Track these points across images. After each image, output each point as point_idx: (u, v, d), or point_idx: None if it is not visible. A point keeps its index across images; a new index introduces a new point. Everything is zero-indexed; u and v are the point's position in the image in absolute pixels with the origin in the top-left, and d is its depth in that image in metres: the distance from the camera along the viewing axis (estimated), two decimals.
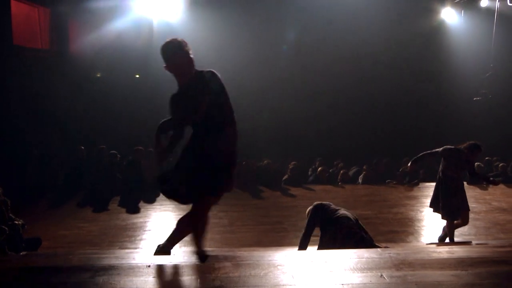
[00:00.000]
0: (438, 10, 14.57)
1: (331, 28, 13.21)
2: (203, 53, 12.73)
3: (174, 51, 3.65)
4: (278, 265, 3.01)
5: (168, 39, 3.69)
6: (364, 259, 3.13)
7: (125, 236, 6.89)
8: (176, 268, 3.13)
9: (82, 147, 10.34)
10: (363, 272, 2.79)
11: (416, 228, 7.78)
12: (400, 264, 2.97)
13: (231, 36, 12.75)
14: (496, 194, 10.14)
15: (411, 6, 13.59)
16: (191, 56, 3.69)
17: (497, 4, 13.40)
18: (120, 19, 12.73)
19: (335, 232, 5.04)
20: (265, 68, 13.51)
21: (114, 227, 7.30)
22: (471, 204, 8.96)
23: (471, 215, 8.18)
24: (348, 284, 2.64)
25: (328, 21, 13.13)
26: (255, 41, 13.35)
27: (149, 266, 2.99)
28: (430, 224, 8.00)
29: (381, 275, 2.76)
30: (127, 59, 12.68)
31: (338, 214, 5.24)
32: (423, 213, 8.66)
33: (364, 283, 2.63)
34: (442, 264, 3.03)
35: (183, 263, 3.26)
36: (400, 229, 7.64)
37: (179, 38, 3.72)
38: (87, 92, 12.75)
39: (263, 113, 13.41)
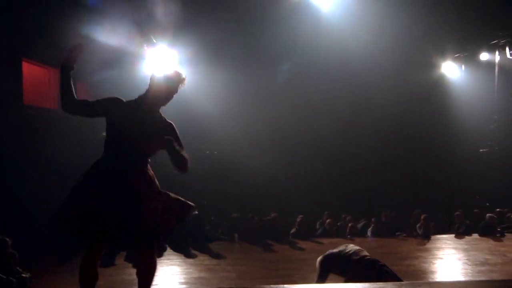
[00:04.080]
0: (438, 64, 14.87)
1: (330, 73, 13.44)
2: (207, 101, 13.01)
3: (173, 77, 3.81)
4: None
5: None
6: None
7: None
8: None
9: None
10: None
11: (430, 280, 7.60)
12: None
13: (230, 85, 13.08)
14: (511, 246, 9.95)
15: (412, 59, 13.85)
16: (174, 92, 3.83)
17: (497, 57, 13.70)
18: (126, 81, 13.01)
19: (356, 267, 5.03)
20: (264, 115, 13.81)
21: (121, 281, 7.16)
22: (485, 256, 8.90)
23: (485, 267, 8.08)
24: None
25: (328, 66, 13.35)
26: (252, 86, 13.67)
27: None
28: (444, 276, 7.84)
29: None
30: None
31: (352, 251, 5.24)
32: (435, 265, 8.49)
33: None
34: None
35: None
36: (414, 281, 7.45)
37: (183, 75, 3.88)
38: (93, 152, 12.83)
39: (268, 166, 13.43)
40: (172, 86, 3.82)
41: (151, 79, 3.86)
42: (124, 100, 3.83)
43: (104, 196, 3.57)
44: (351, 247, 5.41)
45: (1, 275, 4.99)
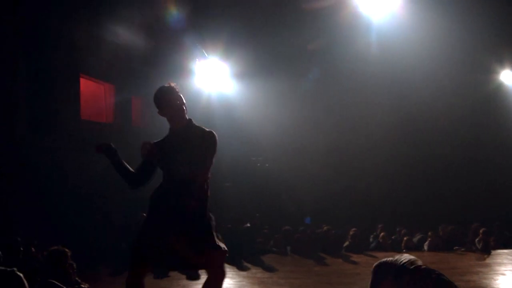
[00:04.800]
0: (497, 72, 14.39)
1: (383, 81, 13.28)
2: (258, 115, 13.05)
3: (167, 94, 3.76)
4: None
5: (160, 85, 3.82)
6: None
7: None
8: None
9: (144, 214, 10.50)
10: None
11: None
12: None
13: (282, 98, 13.13)
14: None
15: (469, 68, 13.47)
16: (183, 100, 3.78)
17: None
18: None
19: (411, 277, 4.83)
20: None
21: None
22: None
23: None
24: None
25: (384, 77, 13.17)
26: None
27: None
28: None
29: None
30: None
31: (406, 260, 5.04)
32: (497, 281, 8.11)
33: None
34: None
35: None
36: None
37: (172, 83, 3.83)
38: None
39: (321, 178, 13.35)
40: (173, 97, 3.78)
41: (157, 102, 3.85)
42: (157, 140, 3.85)
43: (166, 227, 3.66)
44: (406, 256, 5.21)
45: (61, 286, 5.14)
